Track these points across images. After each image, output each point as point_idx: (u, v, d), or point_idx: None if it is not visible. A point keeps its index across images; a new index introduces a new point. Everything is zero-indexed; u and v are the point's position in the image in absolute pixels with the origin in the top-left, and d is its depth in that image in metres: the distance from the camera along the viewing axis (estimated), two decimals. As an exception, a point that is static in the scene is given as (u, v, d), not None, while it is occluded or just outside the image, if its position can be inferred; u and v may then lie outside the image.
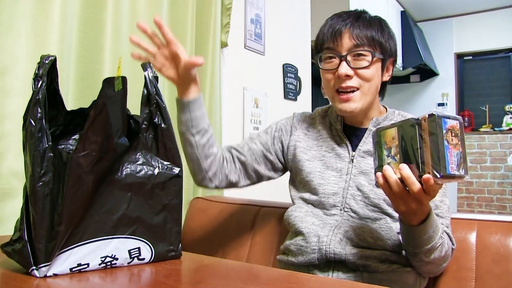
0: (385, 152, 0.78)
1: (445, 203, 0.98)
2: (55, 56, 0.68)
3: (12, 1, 1.15)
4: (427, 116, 0.70)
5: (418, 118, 0.71)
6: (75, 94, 1.33)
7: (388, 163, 0.76)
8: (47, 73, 0.66)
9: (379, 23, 1.01)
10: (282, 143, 1.12)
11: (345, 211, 0.97)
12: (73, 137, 0.75)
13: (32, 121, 0.63)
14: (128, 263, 0.71)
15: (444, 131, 0.68)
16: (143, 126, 0.73)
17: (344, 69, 0.95)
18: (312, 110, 1.21)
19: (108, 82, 0.66)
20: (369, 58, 0.96)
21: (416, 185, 0.72)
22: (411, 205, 0.77)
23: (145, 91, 0.74)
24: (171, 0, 1.69)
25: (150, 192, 0.72)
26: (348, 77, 0.95)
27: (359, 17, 0.99)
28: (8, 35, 1.14)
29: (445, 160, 0.66)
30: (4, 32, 1.14)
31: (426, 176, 0.69)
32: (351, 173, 1.00)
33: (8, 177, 1.12)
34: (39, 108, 0.63)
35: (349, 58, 0.96)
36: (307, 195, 1.03)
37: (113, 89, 0.67)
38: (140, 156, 0.72)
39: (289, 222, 1.03)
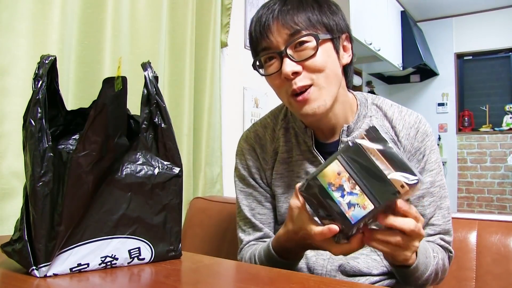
0: (336, 195, 0.62)
1: (440, 208, 0.87)
2: (55, 56, 0.68)
3: (12, 1, 1.15)
4: (365, 132, 0.62)
5: (354, 141, 0.62)
6: (75, 94, 1.33)
7: (348, 203, 0.61)
8: (47, 73, 0.66)
9: (313, 0, 0.81)
10: (265, 180, 0.96)
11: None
12: (73, 137, 0.75)
13: (32, 121, 0.63)
14: (128, 263, 0.71)
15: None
16: (143, 126, 0.73)
17: (289, 66, 0.77)
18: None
19: (108, 82, 0.66)
20: (313, 43, 0.77)
21: (414, 210, 0.61)
22: (417, 242, 0.66)
23: (145, 91, 0.74)
24: (171, 0, 1.69)
25: (150, 192, 0.72)
26: (297, 74, 0.78)
27: (286, 0, 0.80)
28: (8, 35, 1.14)
29: (408, 163, 0.59)
30: (4, 32, 1.14)
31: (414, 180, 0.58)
32: None
33: (8, 177, 1.12)
34: (39, 108, 0.63)
35: (289, 52, 0.78)
36: None
37: (113, 89, 0.66)
38: (140, 156, 0.72)
39: None
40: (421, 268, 0.75)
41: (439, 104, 5.27)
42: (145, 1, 1.55)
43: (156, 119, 0.74)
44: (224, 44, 2.01)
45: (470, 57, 5.22)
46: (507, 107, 4.89)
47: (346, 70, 0.87)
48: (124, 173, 0.69)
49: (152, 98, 0.73)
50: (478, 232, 1.01)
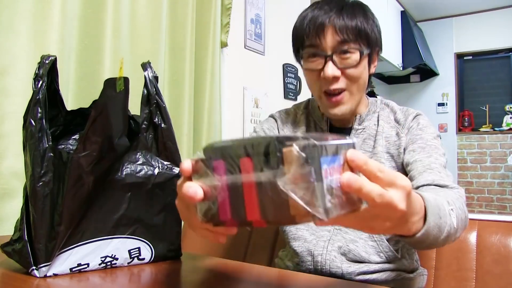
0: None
1: (440, 165, 0.85)
2: (55, 56, 0.68)
3: (12, 1, 1.15)
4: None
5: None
6: (75, 94, 1.33)
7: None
8: (47, 73, 0.66)
9: (363, 10, 0.91)
10: None
11: None
12: (73, 137, 0.75)
13: (32, 121, 0.63)
14: (128, 263, 0.71)
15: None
16: (143, 126, 0.73)
17: (331, 70, 0.86)
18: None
19: (110, 83, 0.66)
20: (357, 56, 0.87)
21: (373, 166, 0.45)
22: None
23: (145, 91, 0.74)
24: (171, 0, 1.69)
25: (150, 192, 0.72)
26: (336, 78, 0.87)
27: (342, 7, 0.88)
28: (8, 35, 1.14)
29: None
30: (4, 32, 1.14)
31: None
32: None
33: (8, 177, 1.12)
34: (39, 108, 0.63)
35: (335, 57, 0.87)
36: None
37: (115, 89, 0.66)
38: (140, 156, 0.72)
39: (283, 234, 1.00)
40: (433, 232, 0.60)
41: (439, 104, 5.27)
42: (145, 1, 1.55)
43: (156, 119, 0.74)
44: (224, 44, 2.01)
45: (470, 57, 5.22)
46: (507, 107, 4.89)
47: (369, 77, 0.97)
48: (124, 173, 0.69)
49: (152, 98, 0.73)
50: (478, 232, 1.01)
